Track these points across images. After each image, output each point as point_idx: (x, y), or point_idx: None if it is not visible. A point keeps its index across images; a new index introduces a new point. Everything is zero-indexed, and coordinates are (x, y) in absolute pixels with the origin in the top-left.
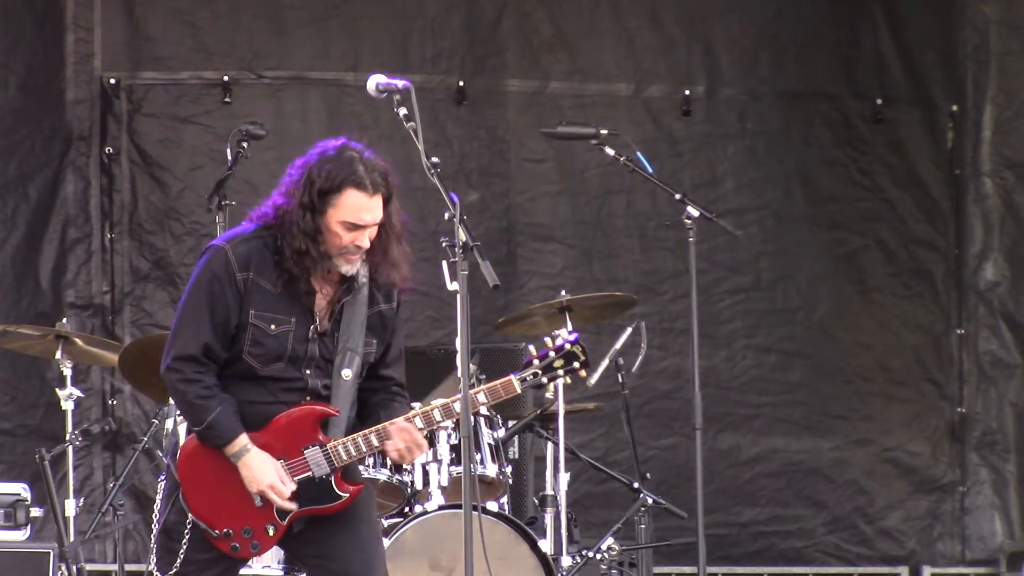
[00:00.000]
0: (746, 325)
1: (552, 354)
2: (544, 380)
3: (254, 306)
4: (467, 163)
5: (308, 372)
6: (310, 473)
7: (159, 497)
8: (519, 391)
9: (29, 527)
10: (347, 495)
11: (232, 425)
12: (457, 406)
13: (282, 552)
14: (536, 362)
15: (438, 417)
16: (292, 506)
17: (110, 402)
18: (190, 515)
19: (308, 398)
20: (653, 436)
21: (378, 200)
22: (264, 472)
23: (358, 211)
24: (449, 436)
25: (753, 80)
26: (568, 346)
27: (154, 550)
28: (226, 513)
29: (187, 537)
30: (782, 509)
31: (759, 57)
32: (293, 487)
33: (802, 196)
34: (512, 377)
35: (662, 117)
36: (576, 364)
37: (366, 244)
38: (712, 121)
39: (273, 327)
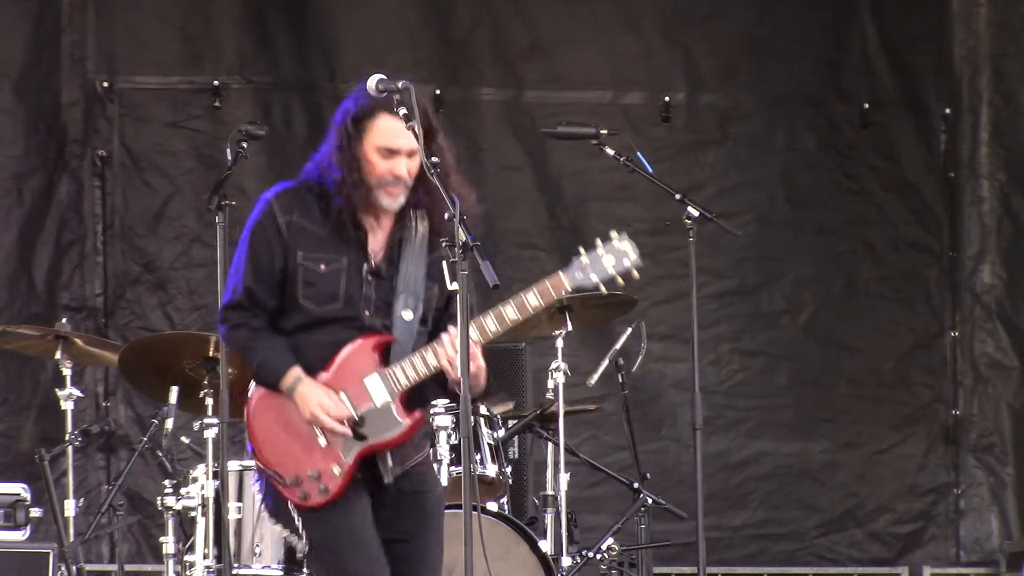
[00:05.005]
0: (731, 329)
1: (601, 250)
2: (593, 278)
3: (302, 247)
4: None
5: (367, 313)
6: (372, 404)
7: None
8: (570, 289)
9: (29, 527)
10: (408, 422)
11: (281, 361)
12: (509, 311)
13: (282, 552)
14: (585, 260)
15: (492, 327)
16: (341, 428)
17: (104, 404)
18: (262, 465)
19: None
20: (640, 440)
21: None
22: (311, 397)
23: (391, 136)
24: (449, 436)
25: (734, 85)
26: (619, 243)
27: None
28: (292, 459)
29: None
30: (774, 512)
31: (740, 62)
32: (346, 410)
33: (786, 201)
34: (560, 274)
35: (641, 124)
36: (627, 262)
37: (402, 172)
38: (692, 127)
39: (323, 267)
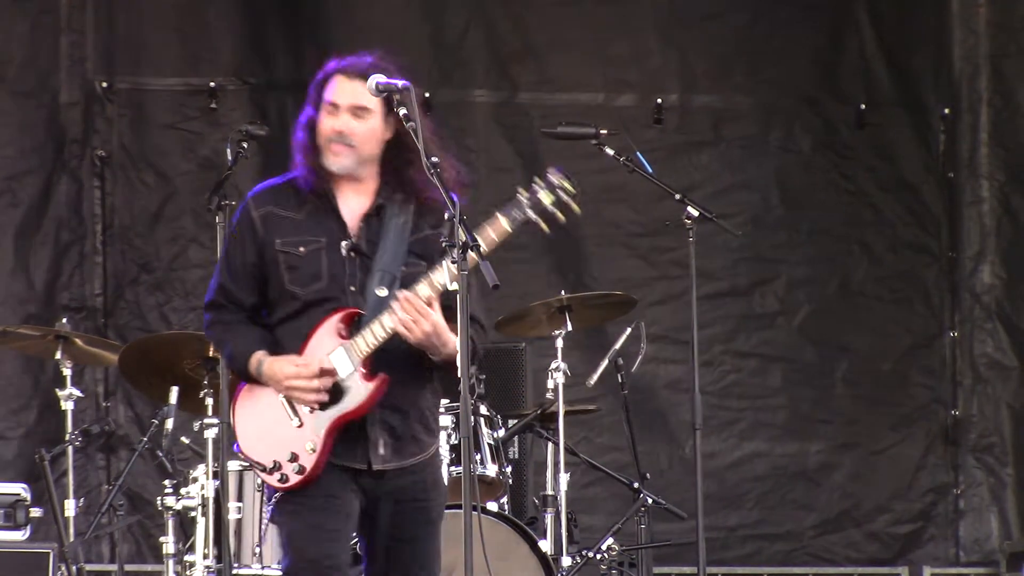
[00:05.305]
0: (725, 330)
1: (538, 186)
2: (531, 214)
3: (279, 236)
4: None
5: (352, 289)
6: (338, 377)
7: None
8: (510, 230)
9: (29, 527)
10: (372, 385)
11: (245, 349)
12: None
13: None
14: (523, 198)
15: (441, 279)
16: (321, 387)
17: (104, 404)
18: (244, 455)
19: None
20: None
21: (359, 85)
22: (278, 372)
23: (333, 91)
24: (449, 436)
25: (729, 87)
26: (555, 179)
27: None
28: (269, 445)
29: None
30: (770, 513)
31: (735, 64)
32: (315, 364)
33: (780, 202)
34: (498, 215)
35: (634, 126)
36: (564, 196)
37: (341, 127)
38: (686, 129)
39: (302, 248)
